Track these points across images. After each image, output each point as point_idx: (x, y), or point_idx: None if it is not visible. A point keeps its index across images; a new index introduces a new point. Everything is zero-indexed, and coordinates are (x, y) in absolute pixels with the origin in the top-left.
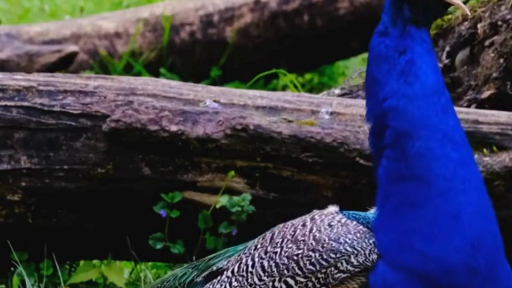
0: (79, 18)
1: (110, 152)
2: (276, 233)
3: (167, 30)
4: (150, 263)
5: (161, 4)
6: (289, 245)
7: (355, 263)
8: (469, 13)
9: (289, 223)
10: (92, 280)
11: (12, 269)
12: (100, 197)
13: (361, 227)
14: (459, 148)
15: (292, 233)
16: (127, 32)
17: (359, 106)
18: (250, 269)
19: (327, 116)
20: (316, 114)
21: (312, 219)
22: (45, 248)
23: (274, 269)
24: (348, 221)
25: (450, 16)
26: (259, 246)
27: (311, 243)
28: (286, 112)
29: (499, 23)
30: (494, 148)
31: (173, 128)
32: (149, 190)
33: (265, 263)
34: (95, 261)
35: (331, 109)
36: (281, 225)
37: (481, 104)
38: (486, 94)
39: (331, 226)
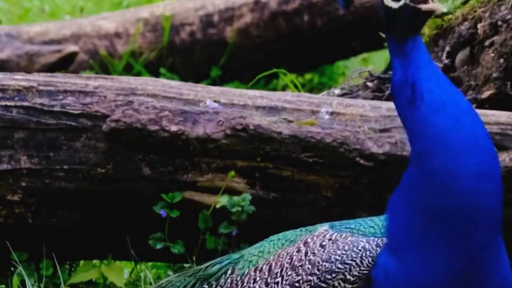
0: (79, 18)
1: (110, 152)
2: (273, 264)
3: (167, 30)
4: (150, 263)
5: (161, 4)
6: (289, 273)
7: (352, 279)
8: (444, 9)
9: (283, 252)
10: (92, 280)
11: (12, 269)
12: (100, 197)
13: (350, 238)
14: (485, 159)
15: (289, 261)
16: (127, 32)
17: (359, 106)
18: None
19: (327, 116)
20: (316, 114)
21: (305, 243)
22: (44, 248)
23: None
24: (338, 236)
25: (450, 16)
26: (258, 279)
27: (308, 268)
28: (286, 112)
29: (499, 23)
30: None
31: (173, 128)
32: (149, 190)
33: None
34: (95, 261)
35: (331, 109)
36: (275, 256)
37: (481, 104)
38: (486, 94)
39: (323, 246)
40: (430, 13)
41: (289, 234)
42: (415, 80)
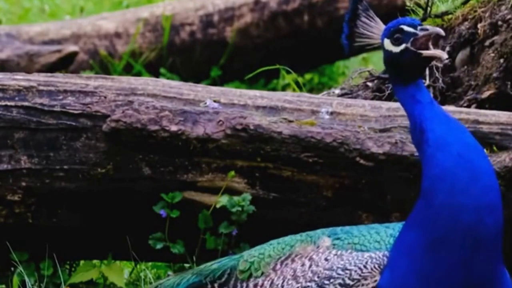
0: (79, 18)
1: (110, 152)
2: (275, 278)
3: (167, 30)
4: (150, 263)
5: (161, 4)
6: (290, 282)
7: (351, 283)
8: (446, 56)
9: (287, 268)
10: (92, 280)
11: (12, 269)
12: (100, 197)
13: (355, 253)
14: (490, 193)
15: (292, 273)
16: (127, 32)
17: (359, 106)
18: None
19: (327, 116)
20: (316, 114)
21: (310, 259)
22: (46, 248)
23: None
24: (343, 252)
25: (450, 16)
26: None
27: (309, 276)
28: (286, 112)
29: (499, 23)
30: (494, 148)
31: (173, 128)
32: (149, 190)
33: None
34: (95, 261)
35: (331, 109)
36: (278, 272)
37: (481, 104)
38: (486, 94)
39: (328, 260)
40: (431, 59)
41: (288, 239)
42: (424, 125)
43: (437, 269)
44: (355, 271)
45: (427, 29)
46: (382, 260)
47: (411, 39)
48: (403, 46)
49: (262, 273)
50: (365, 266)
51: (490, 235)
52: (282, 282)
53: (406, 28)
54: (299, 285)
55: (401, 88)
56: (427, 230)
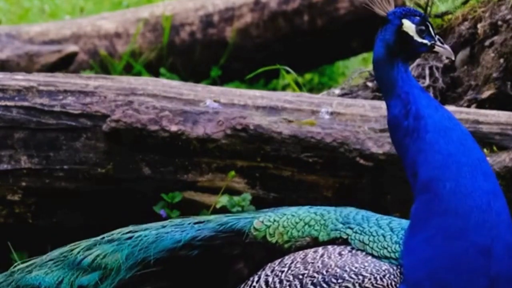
0: (79, 18)
1: (110, 152)
2: (286, 257)
3: (167, 30)
4: None
5: (161, 4)
6: (298, 265)
7: None
8: (453, 57)
9: (300, 252)
10: None
11: None
12: (100, 197)
13: (369, 257)
14: (491, 179)
15: (303, 257)
16: (127, 32)
17: (359, 106)
18: (254, 284)
19: (327, 116)
20: (316, 114)
21: (324, 247)
22: (48, 248)
23: (278, 286)
24: (358, 252)
25: (450, 16)
26: (267, 268)
27: (318, 266)
28: (286, 112)
29: (499, 23)
30: (494, 148)
31: (173, 128)
32: (149, 190)
33: (269, 279)
34: None
35: (331, 109)
36: (291, 255)
37: (481, 104)
38: (486, 94)
39: (341, 255)
40: (436, 52)
41: (302, 213)
42: (418, 108)
43: (456, 262)
44: (369, 279)
45: (443, 46)
46: (399, 278)
47: (431, 42)
48: (423, 40)
49: (277, 242)
50: (381, 279)
51: (503, 220)
52: (290, 263)
53: (430, 28)
54: (306, 272)
55: (396, 66)
56: (437, 225)
